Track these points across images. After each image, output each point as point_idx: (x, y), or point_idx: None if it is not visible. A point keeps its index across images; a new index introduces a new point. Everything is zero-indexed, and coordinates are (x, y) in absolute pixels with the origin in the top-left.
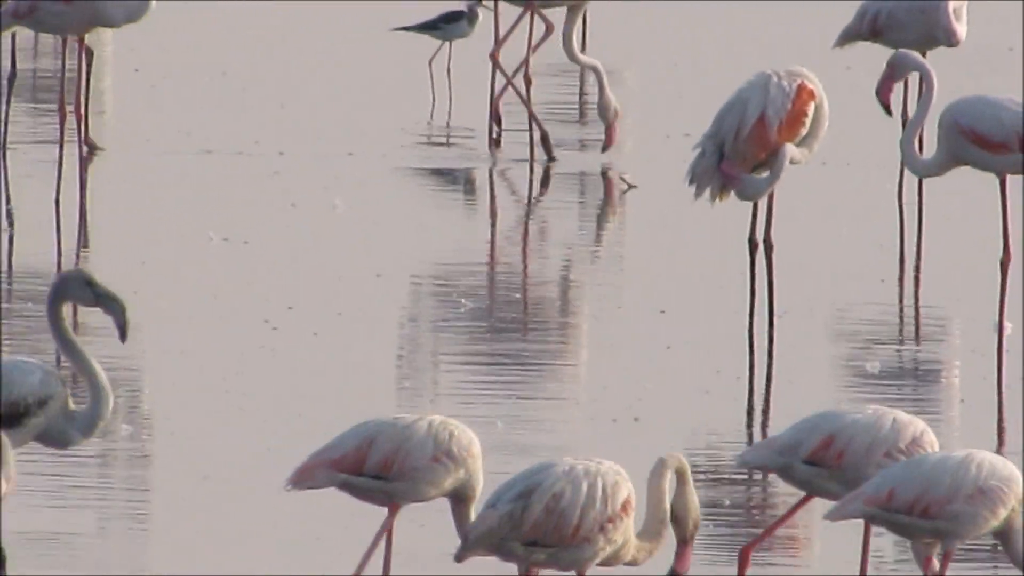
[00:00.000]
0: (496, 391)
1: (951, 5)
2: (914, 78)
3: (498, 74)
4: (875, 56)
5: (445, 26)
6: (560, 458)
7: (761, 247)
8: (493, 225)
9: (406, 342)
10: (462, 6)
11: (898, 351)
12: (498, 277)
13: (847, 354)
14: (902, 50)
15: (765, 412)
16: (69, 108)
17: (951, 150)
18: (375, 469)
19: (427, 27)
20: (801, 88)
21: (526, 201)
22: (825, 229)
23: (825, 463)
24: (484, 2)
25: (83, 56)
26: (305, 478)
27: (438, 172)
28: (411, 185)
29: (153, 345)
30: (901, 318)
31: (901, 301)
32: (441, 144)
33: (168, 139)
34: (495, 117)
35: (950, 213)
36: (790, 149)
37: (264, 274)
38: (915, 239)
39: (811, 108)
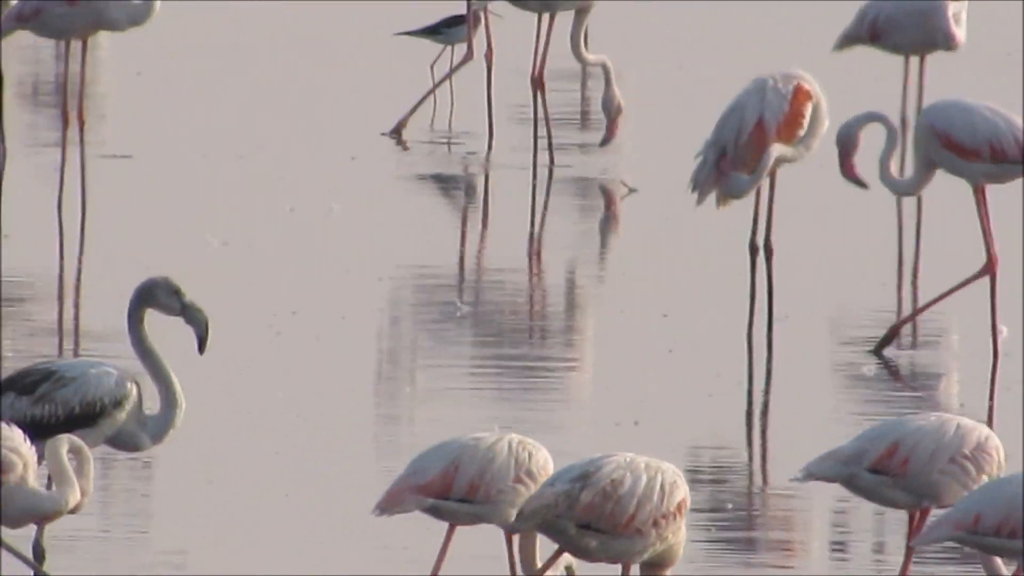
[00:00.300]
0: (498, 394)
1: (951, 9)
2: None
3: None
4: (876, 56)
5: (447, 30)
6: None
7: (761, 252)
8: (493, 229)
9: (408, 346)
10: (463, 10)
11: (896, 355)
12: (499, 281)
13: (846, 359)
14: (842, 125)
15: (764, 416)
16: (72, 113)
17: (926, 154)
18: (461, 493)
19: (429, 31)
20: (798, 89)
21: (527, 205)
22: (825, 233)
23: (890, 471)
24: (489, 8)
25: (85, 59)
26: (394, 503)
27: (439, 177)
28: (412, 189)
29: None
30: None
31: (900, 305)
32: (443, 148)
33: (170, 142)
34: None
35: (948, 216)
36: (777, 149)
37: (264, 278)
38: (914, 242)
39: (808, 109)
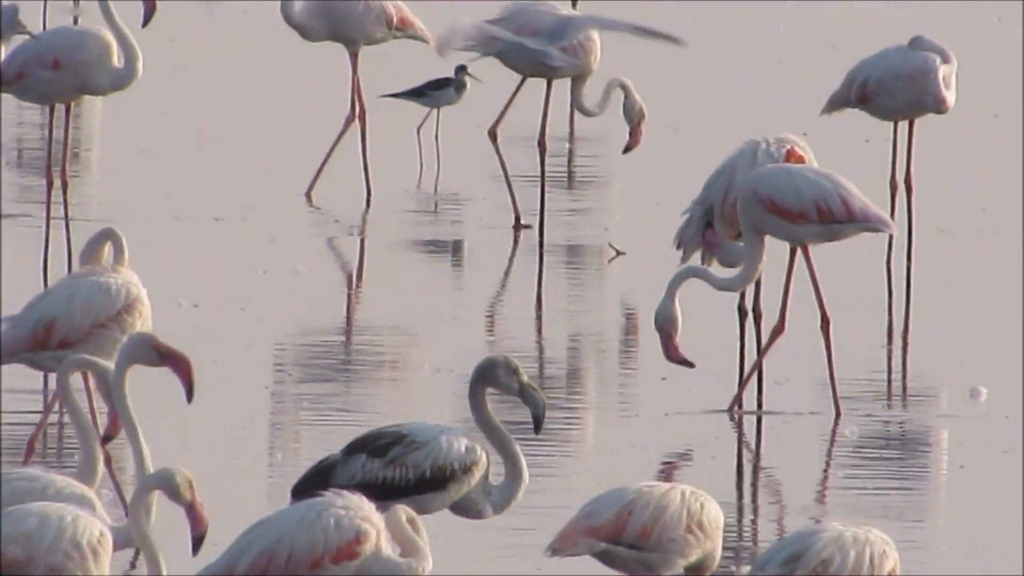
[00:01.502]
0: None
1: (941, 72)
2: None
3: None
4: (865, 119)
5: (432, 93)
6: (828, 523)
7: (750, 315)
8: (476, 292)
9: (398, 405)
10: (450, 73)
11: (879, 416)
12: (490, 343)
13: (830, 420)
14: (657, 309)
15: (755, 479)
16: (56, 176)
17: (753, 223)
18: (633, 538)
19: (414, 94)
20: (790, 154)
21: (514, 268)
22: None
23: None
24: (469, 73)
25: (68, 123)
26: (567, 544)
27: (425, 241)
28: (397, 252)
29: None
30: (889, 384)
31: (890, 368)
32: (429, 212)
33: (147, 206)
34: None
35: (938, 278)
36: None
37: (236, 339)
38: (903, 306)
39: None
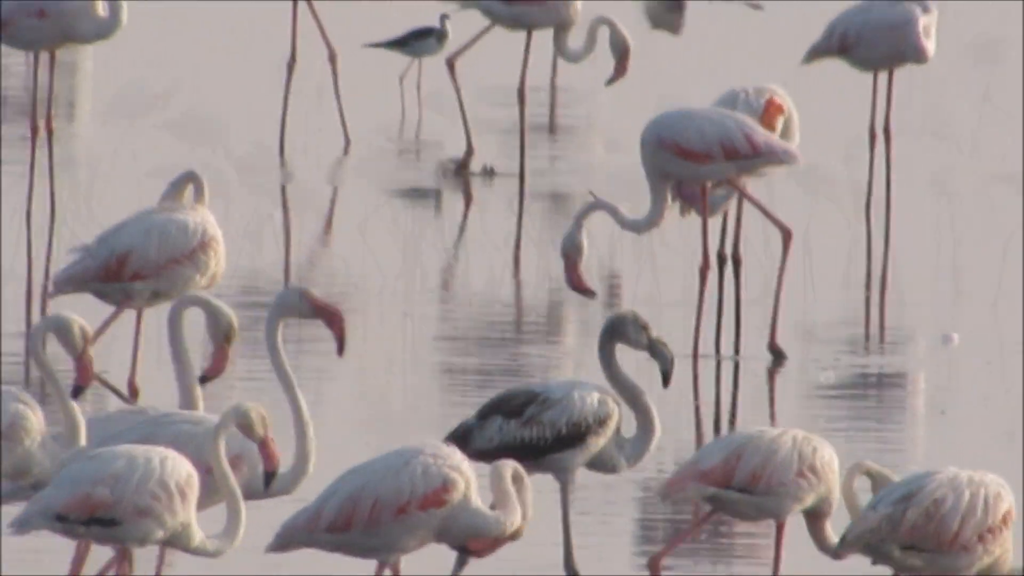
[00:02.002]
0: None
1: (921, 22)
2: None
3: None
4: (845, 69)
5: (414, 43)
6: (944, 467)
7: (729, 262)
8: (452, 239)
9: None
10: (434, 23)
11: (854, 363)
12: (466, 292)
13: (805, 366)
14: (564, 238)
15: (732, 423)
16: (41, 123)
17: (660, 169)
18: (742, 483)
19: (396, 44)
20: (769, 103)
21: (492, 216)
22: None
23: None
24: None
25: (54, 71)
26: (676, 490)
27: (408, 190)
28: (379, 201)
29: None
30: (867, 330)
31: (867, 315)
32: (411, 159)
33: (129, 157)
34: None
35: (917, 224)
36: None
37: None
38: (882, 249)
39: (779, 122)
